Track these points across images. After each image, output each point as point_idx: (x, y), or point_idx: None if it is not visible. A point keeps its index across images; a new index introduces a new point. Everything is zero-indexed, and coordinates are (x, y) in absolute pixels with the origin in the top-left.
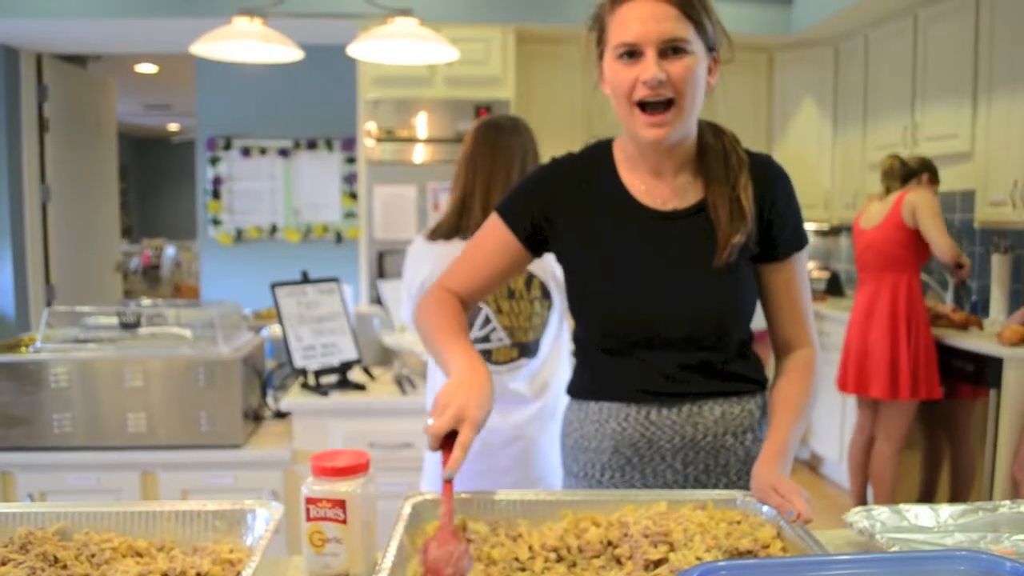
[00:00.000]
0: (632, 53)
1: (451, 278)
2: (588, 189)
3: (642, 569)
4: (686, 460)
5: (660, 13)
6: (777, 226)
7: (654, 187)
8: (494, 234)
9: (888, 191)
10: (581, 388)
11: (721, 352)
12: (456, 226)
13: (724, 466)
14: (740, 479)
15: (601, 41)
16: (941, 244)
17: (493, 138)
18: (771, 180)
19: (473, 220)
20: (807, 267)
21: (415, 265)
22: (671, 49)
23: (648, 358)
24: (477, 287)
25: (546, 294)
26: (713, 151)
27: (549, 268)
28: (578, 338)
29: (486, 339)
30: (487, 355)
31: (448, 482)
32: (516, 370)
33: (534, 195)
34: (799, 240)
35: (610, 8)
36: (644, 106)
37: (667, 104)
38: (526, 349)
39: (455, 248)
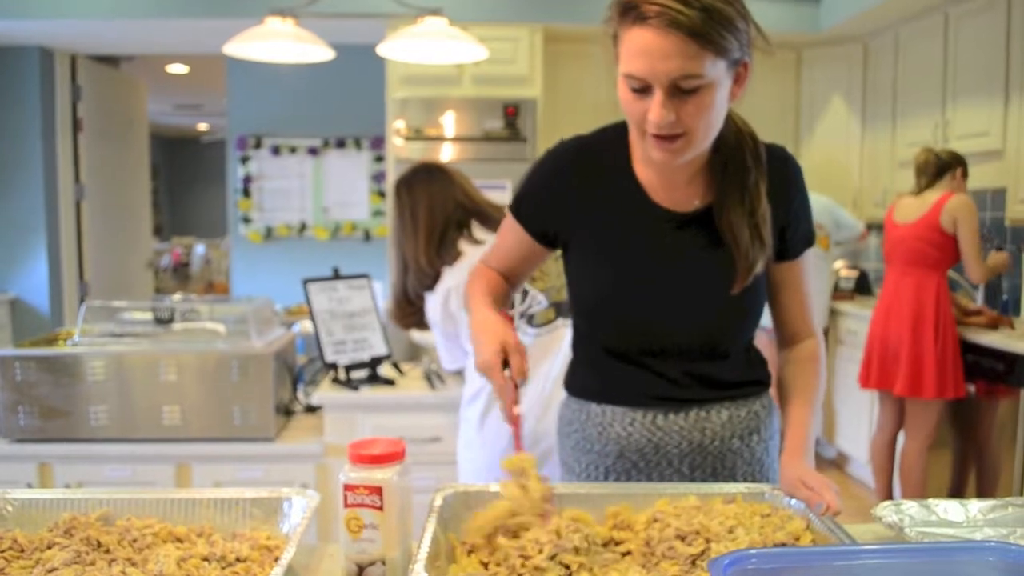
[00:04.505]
0: (640, 88)
1: (491, 261)
2: (599, 182)
3: (683, 564)
4: (693, 465)
5: (669, 48)
6: (791, 228)
7: (669, 183)
8: (512, 235)
9: (922, 185)
10: (582, 387)
11: (729, 358)
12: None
13: (731, 469)
14: (747, 482)
15: (616, 43)
16: (976, 268)
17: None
18: (787, 181)
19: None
20: (812, 258)
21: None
22: (681, 87)
23: (655, 364)
24: (513, 272)
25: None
26: (733, 160)
27: None
28: (580, 335)
29: (529, 307)
30: (530, 319)
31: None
32: (554, 331)
33: (544, 194)
34: (810, 237)
35: (619, 23)
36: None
37: (679, 134)
38: (562, 309)
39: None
